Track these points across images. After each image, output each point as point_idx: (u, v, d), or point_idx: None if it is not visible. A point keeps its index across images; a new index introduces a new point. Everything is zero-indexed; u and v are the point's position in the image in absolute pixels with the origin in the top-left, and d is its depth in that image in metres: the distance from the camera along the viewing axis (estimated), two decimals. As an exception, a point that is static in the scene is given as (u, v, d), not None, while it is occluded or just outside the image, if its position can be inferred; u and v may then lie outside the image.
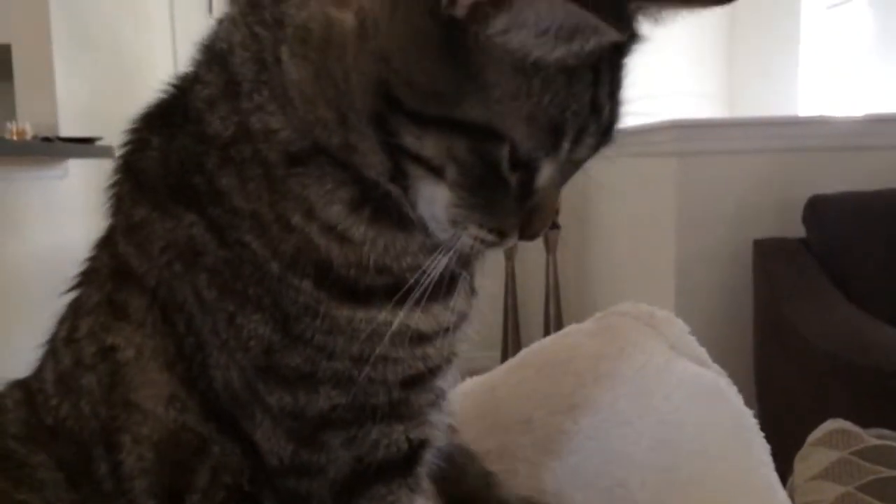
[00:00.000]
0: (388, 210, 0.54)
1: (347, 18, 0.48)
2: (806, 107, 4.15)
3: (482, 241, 0.53)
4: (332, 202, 0.53)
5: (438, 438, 0.63)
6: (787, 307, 2.14)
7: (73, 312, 0.63)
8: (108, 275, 0.61)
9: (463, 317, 0.60)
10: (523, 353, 0.84)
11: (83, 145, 2.76)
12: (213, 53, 0.57)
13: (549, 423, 0.73)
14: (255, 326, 0.55)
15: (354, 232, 0.53)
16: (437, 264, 0.53)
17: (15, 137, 2.57)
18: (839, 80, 3.99)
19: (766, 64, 4.38)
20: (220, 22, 0.58)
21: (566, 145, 0.49)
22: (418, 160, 0.49)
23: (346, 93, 0.49)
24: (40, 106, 2.80)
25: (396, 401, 0.58)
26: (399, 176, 0.51)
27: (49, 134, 2.72)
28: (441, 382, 0.61)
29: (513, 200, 0.51)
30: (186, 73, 0.60)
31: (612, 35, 0.46)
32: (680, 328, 0.81)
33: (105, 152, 2.70)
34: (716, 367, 0.80)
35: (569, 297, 3.45)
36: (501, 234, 0.53)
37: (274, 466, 0.58)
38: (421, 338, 0.57)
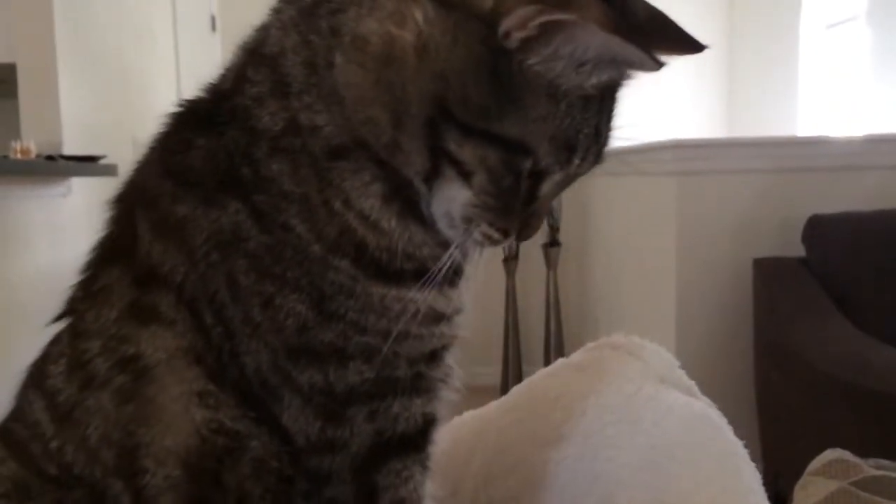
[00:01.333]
0: (413, 206, 0.60)
1: (407, 37, 0.55)
2: (805, 126, 4.17)
3: (489, 238, 0.60)
4: (367, 195, 0.59)
5: (444, 417, 0.69)
6: (787, 326, 2.14)
7: (71, 340, 0.63)
8: (130, 284, 0.62)
9: (463, 304, 0.67)
10: (514, 391, 0.87)
11: (87, 164, 2.77)
12: (261, 56, 0.62)
13: (536, 457, 0.75)
14: (294, 305, 0.59)
15: (385, 224, 0.60)
16: (450, 255, 0.60)
17: (19, 156, 2.58)
18: (838, 100, 4.01)
19: (766, 83, 4.40)
20: (265, 28, 0.63)
21: (576, 161, 0.57)
22: (455, 164, 0.56)
23: (403, 100, 0.56)
24: (44, 124, 2.82)
25: (415, 375, 0.64)
26: (432, 176, 0.57)
27: (53, 152, 2.73)
28: (450, 360, 0.68)
29: (520, 204, 0.59)
30: (224, 76, 0.64)
31: (650, 67, 0.53)
32: (669, 361, 0.83)
33: (108, 170, 2.71)
34: (705, 399, 0.81)
35: (569, 315, 3.45)
36: (505, 234, 0.60)
37: (300, 446, 0.62)
38: (438, 317, 0.64)
